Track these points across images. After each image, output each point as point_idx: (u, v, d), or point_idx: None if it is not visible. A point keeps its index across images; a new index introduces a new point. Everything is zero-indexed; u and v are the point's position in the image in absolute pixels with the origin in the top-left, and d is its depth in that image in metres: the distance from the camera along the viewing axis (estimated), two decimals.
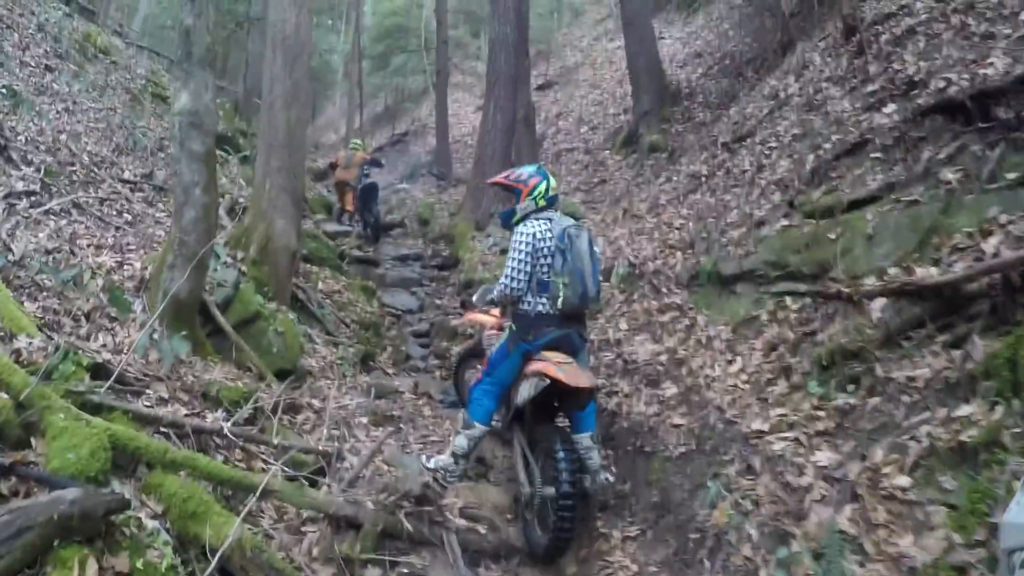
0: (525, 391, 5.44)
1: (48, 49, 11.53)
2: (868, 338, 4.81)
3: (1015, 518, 1.84)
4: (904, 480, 3.81)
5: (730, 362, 6.02)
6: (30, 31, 11.62)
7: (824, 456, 4.40)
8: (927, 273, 4.74)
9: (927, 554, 3.40)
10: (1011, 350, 3.74)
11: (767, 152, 8.41)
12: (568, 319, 5.54)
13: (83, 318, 5.41)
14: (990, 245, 4.49)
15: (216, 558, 3.60)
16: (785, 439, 4.75)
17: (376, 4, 38.73)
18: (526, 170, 5.93)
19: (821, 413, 4.75)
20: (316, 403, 6.67)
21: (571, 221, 5.64)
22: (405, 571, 4.58)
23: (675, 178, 11.17)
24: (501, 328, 6.20)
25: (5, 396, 3.83)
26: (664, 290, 7.91)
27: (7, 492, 3.38)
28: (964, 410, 3.83)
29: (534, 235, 5.47)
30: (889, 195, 5.68)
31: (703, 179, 9.93)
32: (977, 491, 3.38)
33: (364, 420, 6.91)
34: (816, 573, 3.78)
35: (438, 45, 23.35)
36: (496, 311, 6.72)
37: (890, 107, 6.53)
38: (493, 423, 5.90)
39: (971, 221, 4.84)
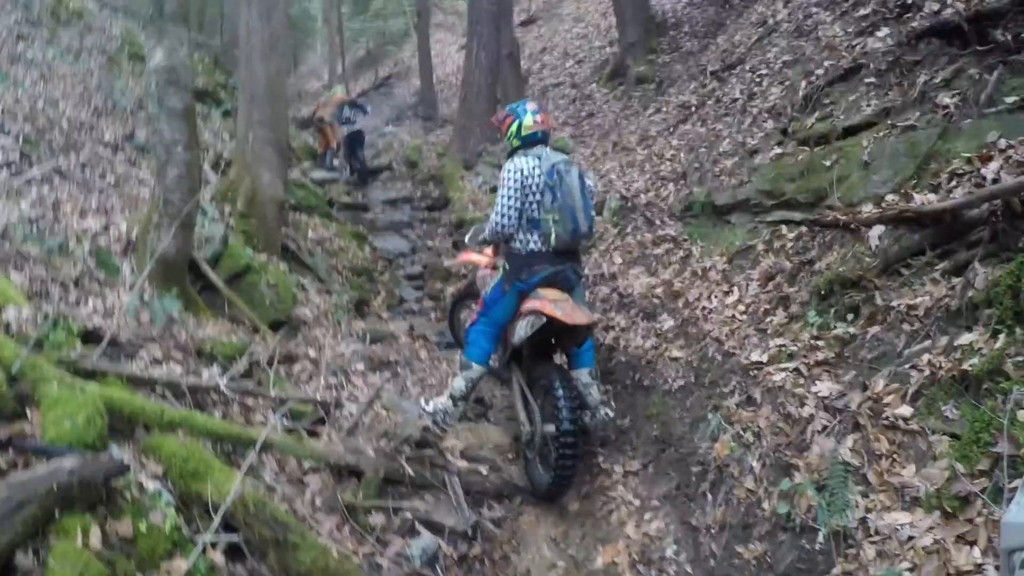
0: (522, 330, 5.43)
1: (19, 17, 11.33)
2: (867, 266, 4.79)
3: (1015, 518, 1.84)
4: (906, 410, 3.82)
5: (727, 293, 6.02)
6: None
7: (824, 386, 4.40)
8: (926, 200, 4.71)
9: (930, 484, 3.42)
10: (1013, 277, 3.72)
11: (758, 80, 8.33)
12: (561, 255, 5.52)
13: (71, 285, 5.38)
14: (990, 171, 4.45)
15: (219, 515, 3.62)
16: (785, 370, 4.75)
17: None
18: (506, 109, 5.92)
19: (820, 343, 4.75)
20: (312, 353, 6.67)
21: (561, 157, 5.58)
22: (408, 516, 4.62)
23: (664, 109, 11.09)
24: (495, 267, 6.18)
25: None
26: (657, 222, 7.89)
27: (5, 466, 3.38)
28: (966, 338, 3.83)
29: (522, 171, 5.43)
30: (885, 121, 5.64)
31: (693, 109, 9.85)
32: (979, 420, 3.38)
33: (361, 367, 6.92)
34: (819, 504, 3.80)
35: None
36: (489, 250, 6.69)
37: (883, 31, 6.45)
38: (491, 363, 5.91)
39: (970, 146, 4.80)
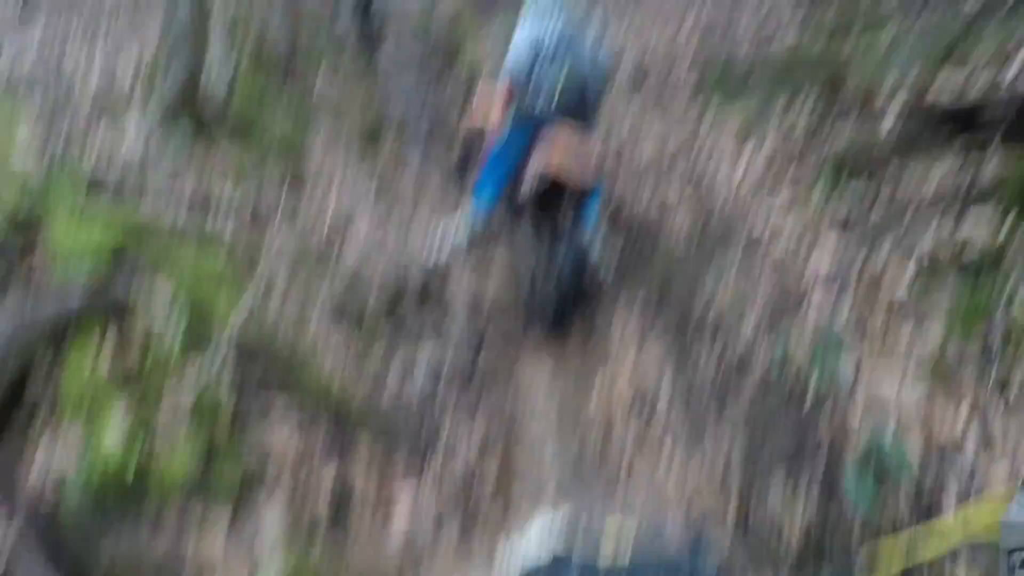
0: (527, 186, 5.45)
1: None
2: (878, 147, 4.76)
3: (1015, 518, 1.87)
4: (904, 287, 3.87)
5: (736, 163, 5.99)
6: None
7: (826, 256, 4.44)
8: (945, 82, 4.65)
9: (922, 352, 3.49)
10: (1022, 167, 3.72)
11: None
12: (570, 114, 5.51)
13: (80, 119, 5.39)
14: (1015, 63, 4.39)
15: (226, 336, 3.73)
16: (787, 241, 4.78)
17: None
18: None
19: (826, 216, 4.76)
20: (318, 194, 6.66)
21: (573, 17, 5.52)
22: (412, 345, 4.74)
23: None
24: (504, 121, 6.16)
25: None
26: (671, 89, 7.80)
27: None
28: (968, 222, 3.85)
29: (533, 32, 5.40)
30: (909, 8, 5.50)
31: None
32: (977, 299, 3.44)
33: (368, 207, 6.91)
34: (812, 362, 3.88)
35: None
36: (499, 104, 6.66)
37: None
38: (496, 211, 5.94)
39: (990, 46, 4.71)
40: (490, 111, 6.68)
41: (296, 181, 6.92)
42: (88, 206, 4.27)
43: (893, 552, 1.26)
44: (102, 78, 6.14)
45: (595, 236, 5.72)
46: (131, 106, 5.99)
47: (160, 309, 3.85)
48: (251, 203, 5.60)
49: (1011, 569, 1.82)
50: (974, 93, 4.41)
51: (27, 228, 3.92)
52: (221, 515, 3.24)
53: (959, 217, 4.01)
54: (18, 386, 3.17)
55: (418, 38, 16.38)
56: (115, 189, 4.68)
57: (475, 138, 7.82)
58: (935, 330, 3.59)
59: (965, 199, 4.03)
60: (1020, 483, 2.33)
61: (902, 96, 4.91)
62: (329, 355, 4.41)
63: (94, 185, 4.65)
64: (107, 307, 3.52)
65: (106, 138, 5.44)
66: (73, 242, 3.76)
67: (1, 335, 3.11)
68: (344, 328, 4.64)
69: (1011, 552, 1.86)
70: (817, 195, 5.00)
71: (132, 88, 6.26)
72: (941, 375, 3.37)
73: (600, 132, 7.69)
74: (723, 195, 5.75)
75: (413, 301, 5.03)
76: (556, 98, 5.35)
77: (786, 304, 4.45)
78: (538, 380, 5.13)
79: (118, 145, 5.41)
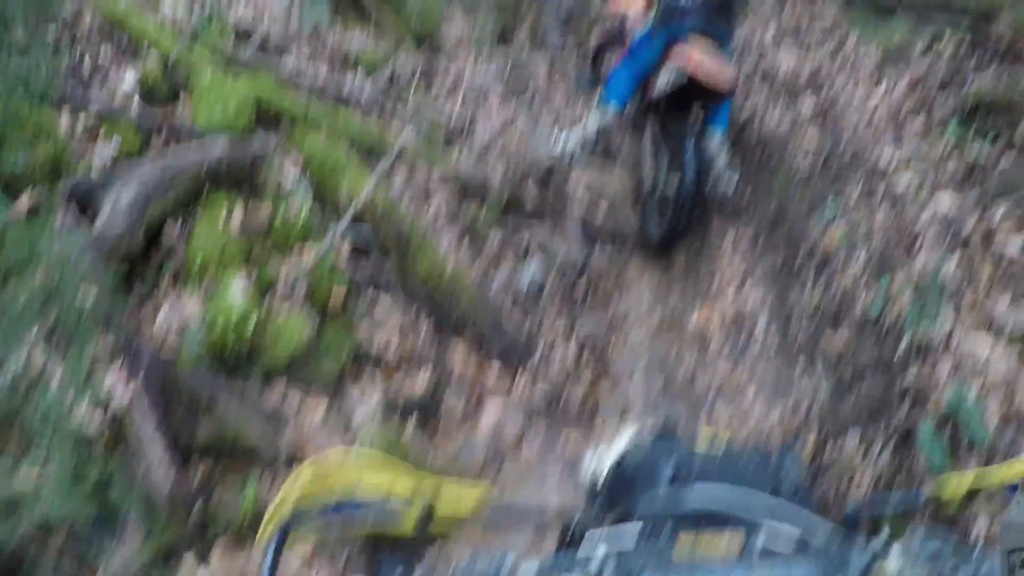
0: (663, 80, 5.36)
1: None
2: (1019, 93, 4.56)
3: (1015, 518, 1.82)
4: (1017, 242, 3.76)
5: (872, 90, 5.80)
6: None
7: (945, 201, 4.32)
8: None
9: (1019, 319, 3.42)
10: None
11: None
12: (715, 11, 5.39)
13: None
14: None
15: (351, 210, 3.87)
16: (912, 176, 4.66)
17: None
18: None
19: (953, 158, 4.62)
20: (452, 73, 6.75)
21: None
22: (525, 240, 4.82)
23: None
24: (648, 11, 6.05)
25: (155, 57, 4.03)
26: (820, 2, 7.52)
27: (158, 147, 3.65)
28: None
29: None
30: None
31: None
32: None
33: (499, 91, 6.97)
34: (911, 310, 3.83)
35: None
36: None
37: None
38: (627, 108, 5.90)
39: None
40: (633, 6, 6.57)
41: (433, 53, 6.96)
42: (233, 59, 4.39)
43: (961, 480, 1.30)
44: None
45: (722, 145, 5.66)
46: None
47: (292, 172, 4.00)
48: (389, 69, 5.66)
49: (1011, 569, 1.82)
50: None
51: (175, 76, 4.06)
52: (326, 385, 3.41)
53: None
54: (155, 233, 3.33)
55: None
56: (260, 45, 4.79)
57: (615, 28, 7.71)
58: None
59: None
60: (1020, 483, 2.30)
61: None
62: (446, 237, 4.51)
63: (240, 38, 4.78)
64: (244, 162, 3.66)
65: (252, 2, 5.53)
66: (217, 95, 3.89)
67: (145, 180, 3.25)
68: (465, 209, 4.72)
69: (1011, 552, 1.86)
70: (949, 135, 4.84)
71: None
72: None
73: (739, 43, 7.53)
74: (854, 121, 5.59)
75: (534, 190, 5.07)
76: None
77: (898, 243, 4.37)
78: (642, 290, 5.19)
79: (264, 5, 5.51)
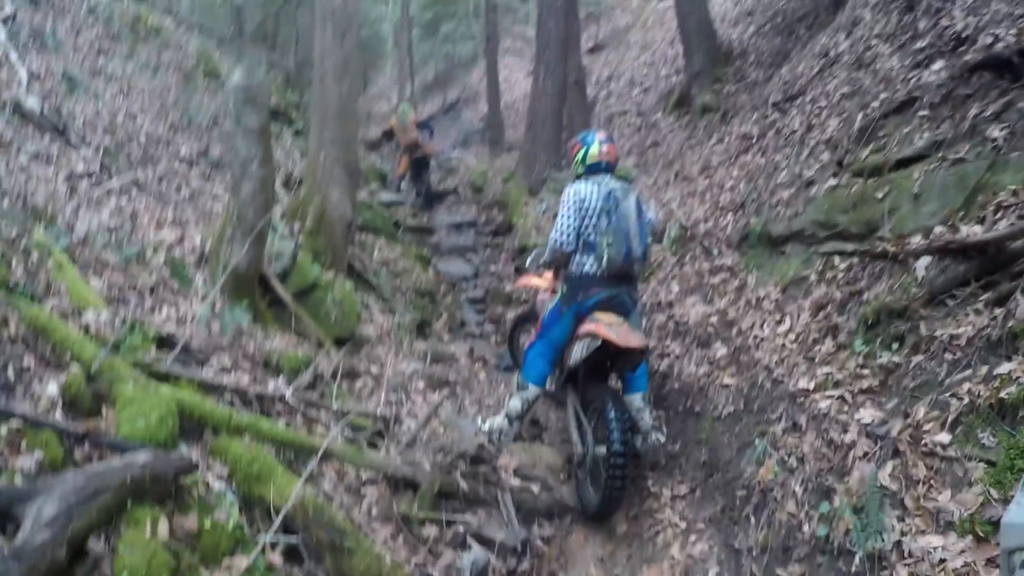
0: (577, 352, 5.54)
1: (100, 32, 11.75)
2: (913, 297, 4.81)
3: (1015, 518, 1.86)
4: (944, 437, 3.84)
5: (779, 322, 6.05)
6: (81, 15, 11.86)
7: (867, 413, 4.43)
8: (972, 231, 4.71)
9: (964, 508, 3.45)
10: None
11: (817, 111, 8.35)
12: (616, 279, 5.64)
13: (147, 292, 5.60)
14: None
15: (279, 517, 3.76)
16: (830, 397, 4.78)
17: None
18: (577, 137, 6.10)
19: (866, 371, 4.77)
20: (374, 369, 6.83)
21: (619, 183, 5.73)
22: (461, 529, 4.72)
23: (727, 139, 11.12)
24: (554, 291, 6.30)
25: (76, 368, 4.01)
26: (715, 251, 7.95)
27: (82, 458, 3.56)
28: (1005, 367, 3.83)
29: (579, 194, 5.60)
30: (936, 153, 5.63)
31: (754, 139, 9.88)
32: (1014, 447, 3.40)
33: (421, 385, 7.06)
34: (856, 527, 3.84)
35: (487, 11, 23.14)
36: (549, 274, 6.82)
37: (938, 64, 6.45)
38: (547, 385, 6.01)
39: (1016, 178, 4.79)
40: (540, 283, 6.85)
41: (355, 350, 7.07)
42: (155, 368, 4.37)
43: None
44: (170, 250, 6.38)
45: (645, 405, 5.77)
46: (197, 278, 6.19)
47: (217, 481, 3.90)
48: (311, 370, 5.71)
49: (1011, 569, 1.74)
50: (1004, 228, 4.43)
51: (98, 386, 4.00)
52: None
53: (995, 360, 3.97)
54: (80, 547, 3.18)
55: (472, 202, 16.99)
56: (181, 352, 4.79)
57: (528, 307, 8.00)
58: (977, 476, 3.53)
59: (999, 341, 4.00)
60: (1020, 484, 2.23)
61: (934, 240, 4.95)
62: (381, 533, 4.42)
63: (162, 346, 4.78)
64: (169, 473, 3.56)
65: (174, 306, 5.61)
66: (139, 405, 3.83)
67: (68, 492, 3.13)
68: (398, 503, 4.64)
69: (1011, 552, 1.79)
70: (857, 350, 4.99)
71: (199, 262, 6.50)
72: (984, 527, 3.28)
73: (646, 303, 7.83)
74: (767, 357, 5.76)
75: (466, 477, 5.02)
76: (605, 256, 5.48)
77: (831, 464, 4.40)
78: (587, 561, 5.13)
79: (186, 312, 5.59)
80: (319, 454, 4.43)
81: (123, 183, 7.50)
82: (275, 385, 5.26)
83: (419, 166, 16.55)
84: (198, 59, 14.00)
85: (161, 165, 8.65)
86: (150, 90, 10.90)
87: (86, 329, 4.50)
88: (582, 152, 5.86)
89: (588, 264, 5.60)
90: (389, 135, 17.55)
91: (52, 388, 3.79)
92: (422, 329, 9.48)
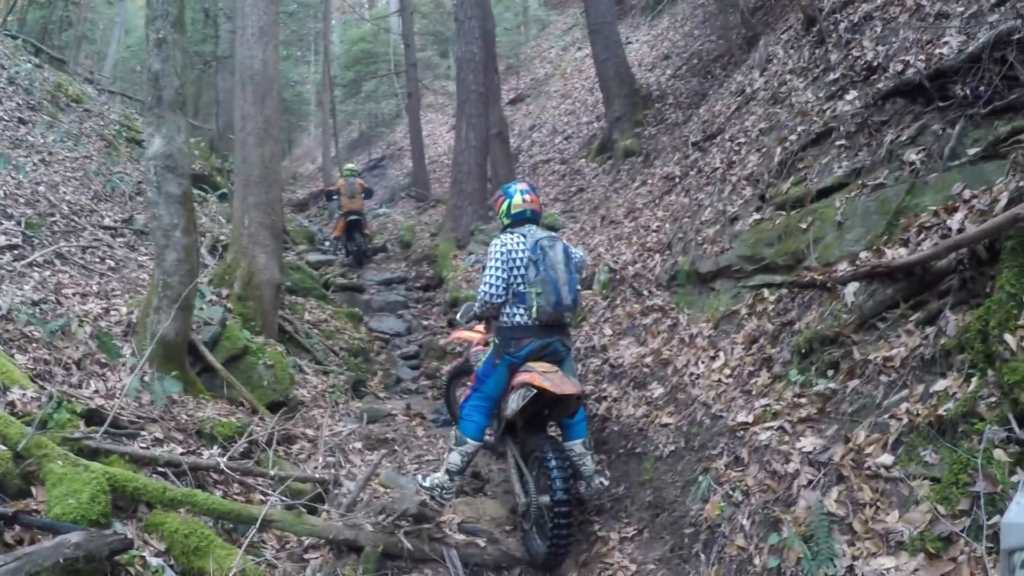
0: (514, 402, 5.52)
1: (21, 102, 11.59)
2: (844, 323, 4.90)
3: (1015, 518, 1.87)
4: (887, 458, 3.89)
5: (713, 358, 6.11)
6: (1, 85, 11.70)
7: (808, 441, 4.48)
8: (896, 254, 4.83)
9: (913, 527, 3.49)
10: (982, 322, 3.82)
11: (736, 148, 8.54)
12: (548, 328, 5.65)
13: (74, 366, 5.48)
14: (955, 221, 4.55)
15: None
16: (770, 428, 4.83)
17: (343, 32, 38.86)
18: (499, 190, 6.15)
19: (803, 400, 4.83)
20: (310, 432, 6.76)
21: (545, 234, 5.76)
22: None
23: (650, 181, 11.29)
24: (487, 343, 6.29)
25: (3, 448, 3.90)
26: (645, 292, 8.02)
27: (12, 540, 3.45)
28: (940, 384, 3.92)
29: (506, 246, 5.62)
30: (856, 181, 5.78)
31: (677, 180, 10.05)
32: (957, 462, 3.46)
33: (358, 445, 6.99)
34: (806, 555, 3.86)
35: (407, 68, 23.32)
36: (481, 327, 6.83)
37: (852, 94, 6.64)
38: (485, 437, 5.98)
39: (936, 199, 4.93)
40: (472, 336, 6.86)
41: (290, 414, 6.98)
42: (84, 444, 4.27)
43: None
44: (96, 322, 6.27)
45: (586, 451, 5.77)
46: (125, 349, 6.08)
47: (154, 558, 3.80)
48: (245, 438, 5.62)
49: (1011, 569, 1.75)
50: (927, 249, 4.53)
51: (26, 466, 3.89)
52: None
53: (930, 378, 4.04)
54: None
55: (401, 257, 17.00)
56: (111, 426, 4.68)
57: (462, 361, 7.98)
58: (923, 494, 3.56)
59: (933, 359, 4.08)
60: (1020, 484, 2.25)
61: (860, 265, 5.04)
62: None
63: (91, 421, 4.68)
64: (103, 553, 3.46)
65: (102, 379, 5.50)
66: (70, 484, 3.73)
67: None
68: (342, 568, 4.56)
69: (1012, 552, 1.80)
70: (792, 379, 5.05)
71: (127, 332, 6.38)
72: (934, 544, 3.32)
73: (579, 348, 7.87)
74: (704, 393, 5.81)
75: (410, 532, 4.96)
76: (535, 305, 5.49)
77: (776, 496, 4.43)
78: None
79: (114, 384, 5.48)
80: (258, 523, 4.34)
81: (46, 255, 7.36)
82: (209, 455, 5.16)
83: (353, 227, 16.64)
84: (121, 127, 13.88)
85: (85, 235, 8.52)
86: (72, 159, 10.75)
87: (12, 407, 4.39)
88: (505, 204, 5.91)
89: (519, 315, 5.62)
90: (329, 195, 17.62)
91: None
92: (357, 388, 9.40)
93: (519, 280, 5.58)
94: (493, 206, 6.22)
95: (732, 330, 6.22)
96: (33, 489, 3.82)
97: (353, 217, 16.72)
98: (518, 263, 5.58)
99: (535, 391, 5.36)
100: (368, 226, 17.72)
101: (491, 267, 5.63)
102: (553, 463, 5.21)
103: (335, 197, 17.14)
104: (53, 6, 20.53)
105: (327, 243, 18.01)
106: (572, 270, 5.74)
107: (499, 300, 5.63)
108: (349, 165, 19.53)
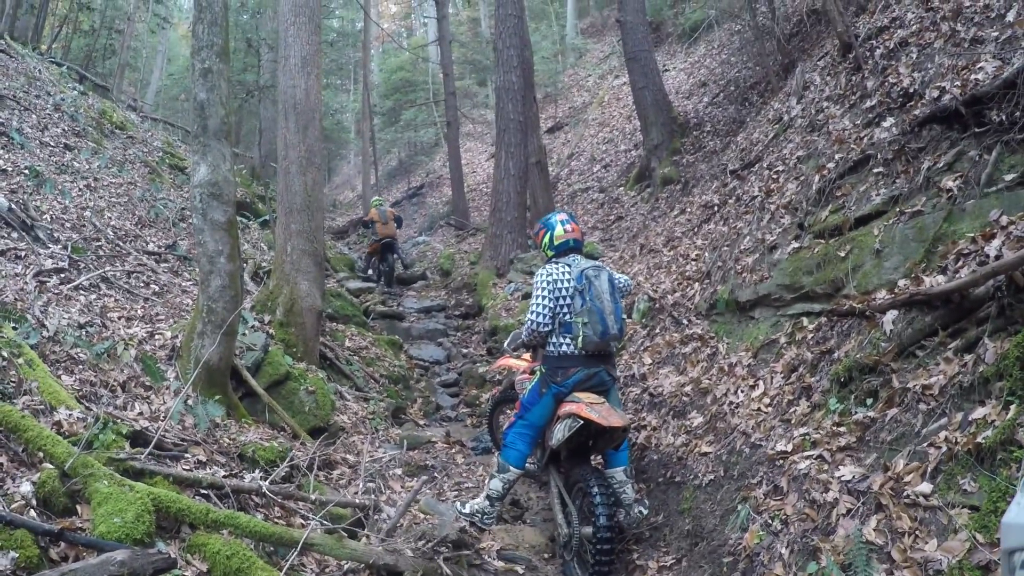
0: (559, 432, 5.51)
1: (66, 128, 11.82)
2: (883, 351, 4.86)
3: (1015, 518, 1.86)
4: (926, 487, 3.85)
5: (752, 387, 6.07)
6: (47, 111, 11.93)
7: (847, 470, 4.43)
8: (935, 281, 4.79)
9: (951, 556, 3.44)
10: (1020, 349, 3.78)
11: (775, 176, 8.51)
12: (594, 358, 5.65)
13: (119, 388, 5.55)
14: (993, 248, 4.52)
15: None
16: (809, 457, 4.78)
17: (383, 61, 39.27)
18: (539, 223, 6.17)
19: (842, 428, 4.78)
20: (350, 458, 6.78)
21: (590, 263, 5.77)
22: None
23: (689, 209, 11.27)
24: (532, 372, 6.29)
25: (49, 466, 3.95)
26: (684, 321, 8.00)
27: (57, 557, 3.48)
28: (979, 412, 3.87)
29: (552, 276, 5.63)
30: (894, 208, 5.74)
31: (715, 208, 10.03)
32: (996, 490, 3.42)
33: (399, 471, 7.01)
34: None
35: (446, 97, 23.49)
36: (527, 355, 6.84)
37: (888, 121, 6.61)
38: (528, 465, 5.97)
39: (973, 226, 4.89)
40: (518, 364, 6.85)
41: (330, 440, 7.01)
42: (129, 465, 4.31)
43: None
44: (141, 346, 6.34)
45: (627, 481, 5.73)
46: (169, 372, 6.14)
47: (198, 574, 3.84)
48: (287, 462, 5.64)
49: (1012, 570, 1.71)
50: (965, 276, 4.47)
51: (72, 485, 3.94)
52: None
53: (968, 405, 3.99)
54: None
55: (441, 286, 17.09)
56: (156, 448, 4.73)
57: (506, 387, 7.98)
58: (962, 523, 3.51)
59: (971, 387, 4.02)
60: (1020, 484, 2.21)
61: (899, 293, 4.99)
62: None
63: (135, 443, 4.72)
64: (146, 573, 3.49)
65: (146, 401, 5.56)
66: (114, 503, 3.77)
67: None
68: None
69: (1012, 552, 1.76)
70: (832, 408, 5.00)
71: (170, 356, 6.45)
72: (972, 573, 3.26)
73: (620, 365, 7.83)
74: (744, 422, 5.76)
75: (449, 558, 4.94)
76: (581, 335, 5.49)
77: (815, 524, 4.38)
78: None
79: (158, 407, 5.53)
80: (299, 546, 4.35)
81: (92, 279, 7.48)
82: (251, 478, 5.19)
83: (387, 249, 16.96)
84: (164, 153, 14.09)
85: (130, 260, 8.65)
86: (117, 185, 10.93)
87: (58, 427, 4.45)
88: (547, 236, 5.94)
89: (565, 344, 5.62)
90: (366, 224, 17.95)
91: (25, 487, 3.74)
92: (397, 415, 9.43)
93: (565, 310, 5.59)
94: (535, 239, 6.23)
95: (771, 359, 6.18)
96: (79, 507, 3.86)
97: (387, 240, 17.09)
98: (563, 293, 5.58)
99: (581, 422, 5.35)
100: (400, 250, 18.25)
101: (537, 295, 5.64)
102: (597, 494, 5.20)
103: (371, 225, 17.42)
104: (97, 34, 20.99)
105: (359, 261, 18.50)
106: (617, 299, 5.74)
107: (545, 329, 5.64)
108: (376, 198, 20.09)
